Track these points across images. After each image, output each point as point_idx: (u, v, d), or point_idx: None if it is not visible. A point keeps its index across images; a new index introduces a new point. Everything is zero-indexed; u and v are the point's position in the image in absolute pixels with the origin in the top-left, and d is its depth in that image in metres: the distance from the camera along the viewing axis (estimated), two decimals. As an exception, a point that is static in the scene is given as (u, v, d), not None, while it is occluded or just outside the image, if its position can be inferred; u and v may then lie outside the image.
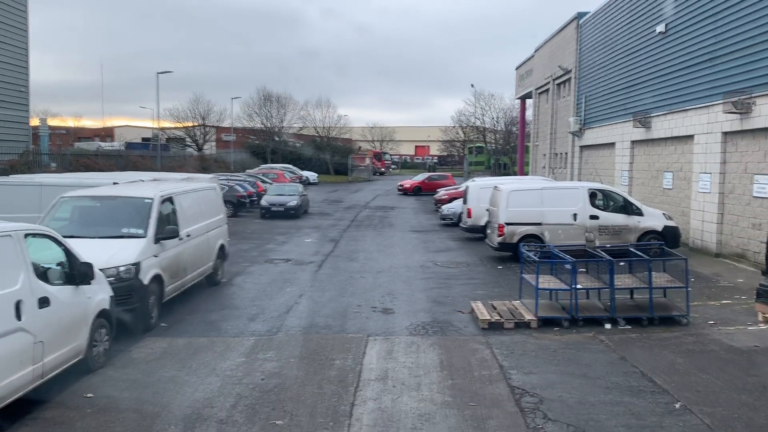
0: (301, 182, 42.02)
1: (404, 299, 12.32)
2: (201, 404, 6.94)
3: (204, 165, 45.05)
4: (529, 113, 45.93)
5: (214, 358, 8.54)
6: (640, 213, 16.55)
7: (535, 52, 39.58)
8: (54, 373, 7.06)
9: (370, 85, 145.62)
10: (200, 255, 12.28)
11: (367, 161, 69.60)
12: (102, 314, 8.13)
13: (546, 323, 10.12)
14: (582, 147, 29.58)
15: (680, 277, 10.43)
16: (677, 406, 6.83)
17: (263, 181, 36.65)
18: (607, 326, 10.02)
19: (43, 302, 6.74)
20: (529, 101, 45.51)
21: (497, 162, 70.26)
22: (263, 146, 65.17)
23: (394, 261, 16.99)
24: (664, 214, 16.96)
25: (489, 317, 10.22)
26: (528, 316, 10.23)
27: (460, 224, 22.36)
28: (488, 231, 17.74)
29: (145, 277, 9.71)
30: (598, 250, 11.06)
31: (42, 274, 6.98)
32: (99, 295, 8.11)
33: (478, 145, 76.22)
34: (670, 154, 19.76)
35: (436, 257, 17.68)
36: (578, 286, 10.25)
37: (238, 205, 28.16)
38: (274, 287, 13.41)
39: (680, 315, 10.24)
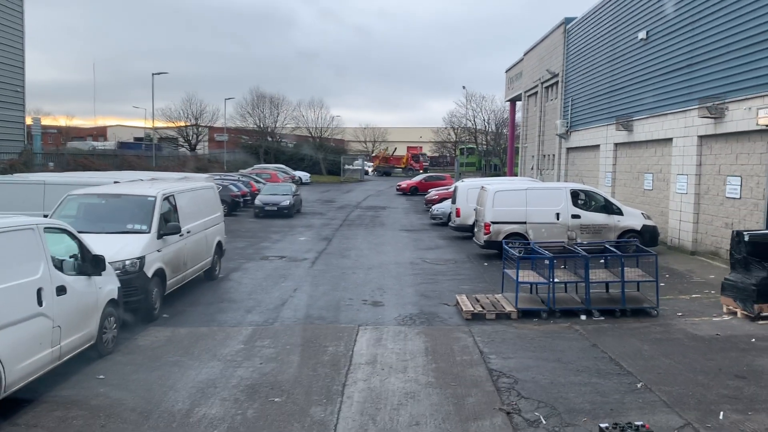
0: (293, 182, 42.59)
1: (393, 293, 12.97)
2: (205, 384, 7.57)
3: (198, 165, 45.55)
4: (519, 115, 46.72)
5: (215, 345, 9.16)
6: (620, 212, 17.30)
7: (525, 55, 40.36)
8: (69, 356, 7.67)
9: (362, 87, 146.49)
10: (199, 251, 12.89)
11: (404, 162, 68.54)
12: (111, 303, 8.74)
13: (526, 314, 10.80)
14: (569, 149, 30.35)
15: (652, 272, 11.13)
16: (639, 385, 7.52)
17: (257, 181, 37.22)
18: (583, 317, 10.71)
19: (61, 290, 7.35)
20: (519, 103, 46.28)
21: (488, 163, 71.06)
22: (256, 146, 65.64)
23: (385, 258, 17.64)
24: (642, 213, 17.73)
25: (472, 309, 10.90)
26: (509, 308, 10.91)
27: (449, 223, 23.04)
28: (475, 229, 18.44)
29: (149, 271, 10.32)
30: (576, 247, 11.77)
31: (58, 264, 7.58)
32: (108, 285, 8.71)
33: (469, 146, 77.04)
34: (650, 157, 20.53)
35: (425, 255, 18.35)
36: (556, 280, 10.94)
37: (232, 205, 28.70)
38: (269, 282, 14.03)
39: (650, 307, 10.95)
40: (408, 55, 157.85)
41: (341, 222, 27.67)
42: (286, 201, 29.25)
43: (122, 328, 9.27)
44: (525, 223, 16.89)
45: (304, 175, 56.34)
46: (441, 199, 29.61)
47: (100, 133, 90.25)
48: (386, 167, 72.42)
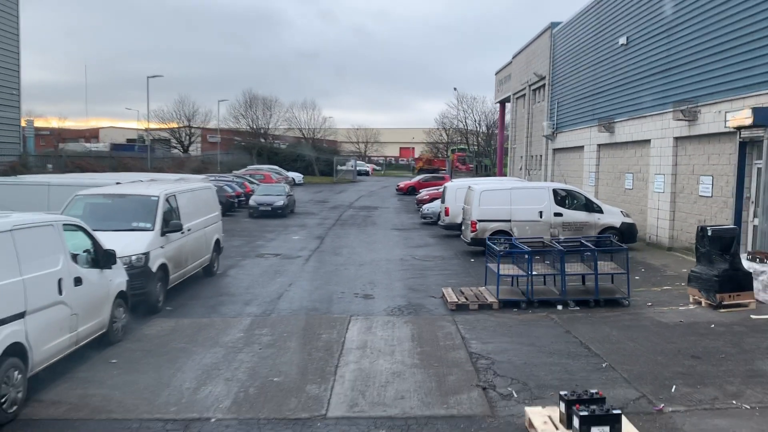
0: (287, 183, 43.24)
1: (383, 287, 13.72)
2: (209, 367, 8.29)
3: (192, 166, 46.15)
4: (509, 117, 47.58)
5: (216, 334, 9.88)
6: (600, 211, 18.13)
7: (513, 58, 41.22)
8: (85, 342, 8.37)
9: (353, 87, 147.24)
10: (199, 248, 13.60)
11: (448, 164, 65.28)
12: (120, 295, 9.45)
13: (506, 305, 11.56)
14: (555, 150, 31.21)
15: (624, 265, 11.92)
16: (604, 365, 8.30)
17: (250, 182, 37.87)
18: (559, 307, 11.49)
19: (78, 281, 8.05)
20: (508, 105, 47.14)
21: (480, 163, 71.92)
22: (249, 147, 66.22)
23: (376, 255, 18.38)
24: (622, 211, 18.58)
25: (457, 300, 11.67)
26: (490, 299, 11.69)
27: (439, 222, 23.80)
28: (463, 228, 19.21)
29: (153, 266, 11.03)
30: (553, 242, 12.56)
31: (74, 258, 8.28)
32: (118, 278, 9.42)
33: (460, 146, 77.89)
34: (630, 157, 21.39)
35: (415, 252, 19.11)
36: (534, 273, 11.72)
37: (227, 205, 29.30)
38: (265, 278, 14.75)
39: (622, 297, 11.74)
40: (399, 55, 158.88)
41: (334, 221, 28.38)
42: (280, 201, 29.93)
43: (129, 318, 9.97)
44: (510, 221, 17.68)
45: (297, 176, 56.97)
46: (432, 199, 30.34)
47: (92, 134, 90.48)
48: (430, 169, 70.30)
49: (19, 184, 15.89)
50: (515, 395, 7.28)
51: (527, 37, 36.81)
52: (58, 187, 15.20)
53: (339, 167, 66.08)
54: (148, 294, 10.79)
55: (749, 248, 13.92)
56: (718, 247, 11.16)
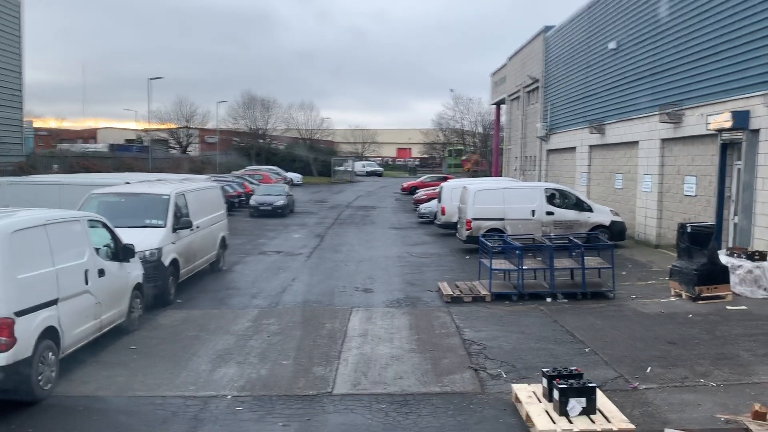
0: (286, 183, 43.86)
1: (382, 282, 14.40)
2: (222, 352, 8.97)
3: (192, 166, 46.77)
4: (504, 118, 48.31)
5: (227, 323, 10.56)
6: (590, 210, 18.85)
7: (508, 60, 41.95)
8: (107, 329, 9.04)
9: (349, 88, 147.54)
10: (206, 244, 14.27)
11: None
12: (137, 287, 10.11)
13: (498, 297, 12.26)
14: (549, 151, 31.94)
15: (610, 261, 12.62)
16: (587, 350, 9.00)
17: (250, 182, 38.51)
18: (548, 300, 12.18)
19: (101, 273, 8.72)
20: (504, 107, 47.87)
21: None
22: (248, 148, 66.82)
23: (375, 252, 19.06)
24: (611, 210, 19.31)
25: (452, 293, 12.36)
26: (484, 292, 12.38)
27: (435, 221, 24.48)
28: (458, 226, 19.91)
29: (166, 260, 11.69)
30: (543, 239, 13.27)
31: (97, 251, 8.94)
32: (135, 271, 10.09)
33: (457, 147, 78.63)
34: (620, 158, 22.12)
35: (412, 249, 19.80)
36: (525, 268, 12.42)
37: (228, 205, 29.95)
38: (269, 273, 15.42)
39: (608, 290, 12.45)
40: (395, 56, 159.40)
41: (333, 221, 29.04)
42: (280, 201, 30.57)
43: (144, 309, 10.63)
44: (503, 219, 18.37)
45: (295, 176, 57.57)
46: (428, 199, 30.96)
47: (90, 135, 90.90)
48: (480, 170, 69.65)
49: (32, 183, 16.51)
50: (504, 375, 7.98)
51: (523, 39, 37.58)
52: (70, 186, 15.80)
53: (337, 168, 66.73)
54: (161, 287, 11.45)
55: (730, 244, 14.65)
56: (697, 243, 11.87)
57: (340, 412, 6.89)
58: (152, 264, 11.28)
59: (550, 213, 18.46)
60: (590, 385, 6.44)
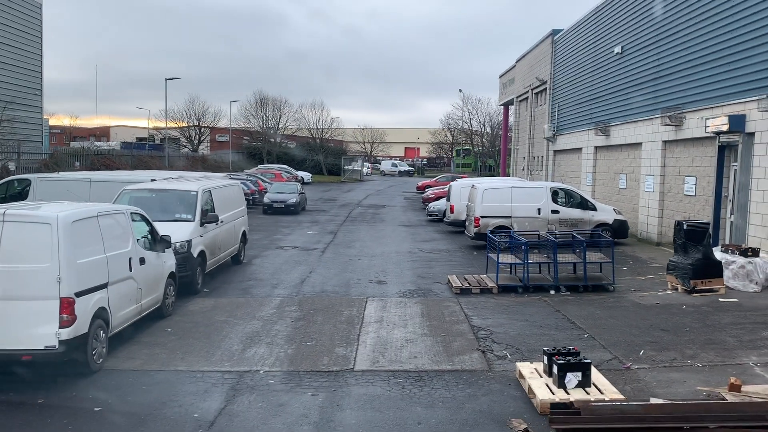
0: (297, 181, 44.71)
1: (395, 275, 15.21)
2: (251, 334, 9.81)
3: (205, 165, 47.71)
4: (512, 119, 48.97)
5: (252, 310, 11.40)
6: (594, 208, 19.58)
7: (517, 62, 42.64)
8: (145, 313, 9.89)
9: (357, 87, 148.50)
10: (229, 238, 15.13)
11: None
12: (171, 276, 10.96)
13: (505, 290, 13.04)
14: (555, 151, 32.64)
15: (610, 255, 13.38)
16: (586, 336, 9.78)
17: (263, 181, 39.40)
18: (552, 292, 12.95)
19: (142, 261, 9.57)
20: (512, 107, 48.55)
21: (484, 164, 73.35)
22: (259, 147, 67.77)
23: (386, 248, 19.86)
24: (614, 209, 20.03)
25: (461, 285, 13.15)
26: (491, 284, 13.17)
27: (444, 219, 25.25)
28: (467, 223, 20.68)
29: (195, 252, 12.55)
30: (548, 235, 14.03)
31: (138, 241, 9.79)
32: (169, 261, 10.94)
33: (465, 147, 79.34)
34: (624, 159, 22.82)
35: (422, 246, 20.59)
36: (530, 262, 13.20)
37: (243, 202, 30.82)
38: (287, 266, 16.26)
39: (608, 283, 13.20)
40: (402, 56, 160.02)
41: (344, 218, 29.85)
42: (293, 199, 31.43)
43: (176, 296, 11.48)
44: (510, 217, 19.13)
45: (306, 175, 58.44)
46: (437, 198, 31.76)
47: (102, 133, 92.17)
48: None
49: (63, 179, 17.44)
50: (509, 356, 8.78)
51: (531, 40, 38.24)
52: (98, 182, 16.76)
53: (346, 167, 67.59)
54: (190, 277, 12.30)
55: (726, 242, 15.36)
56: (692, 240, 12.60)
57: (361, 385, 7.70)
58: (182, 255, 12.13)
59: (555, 211, 19.20)
60: (585, 361, 7.22)
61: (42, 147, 35.37)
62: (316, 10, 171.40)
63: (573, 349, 7.57)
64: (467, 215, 20.65)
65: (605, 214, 19.60)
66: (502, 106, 52.33)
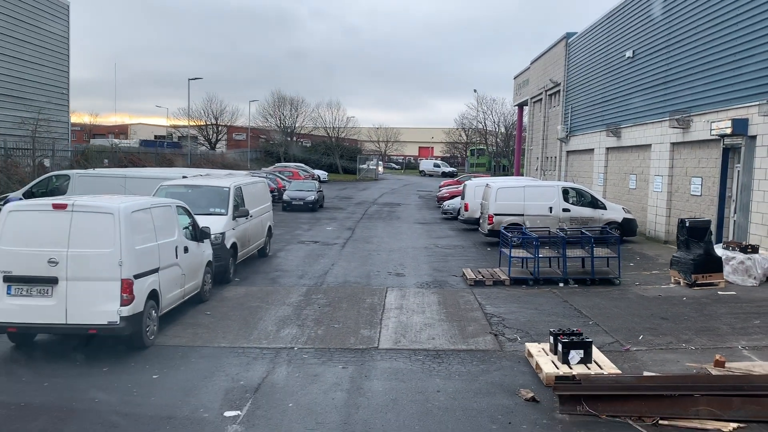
0: (313, 179, 45.70)
1: (412, 268, 16.10)
2: (283, 317, 10.75)
3: (224, 162, 48.89)
4: (527, 119, 49.64)
5: (282, 297, 12.35)
6: (604, 207, 20.35)
7: (531, 64, 43.33)
8: (188, 297, 10.86)
9: (369, 87, 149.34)
10: (258, 232, 16.11)
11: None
12: (208, 264, 11.93)
13: (516, 282, 13.88)
14: (568, 152, 33.34)
15: (617, 251, 14.17)
16: (590, 322, 10.61)
17: (281, 179, 40.44)
18: (561, 285, 13.77)
19: (185, 250, 10.54)
20: (526, 108, 49.22)
21: (498, 164, 74.02)
22: (276, 145, 68.94)
23: (403, 244, 20.76)
24: (623, 208, 20.77)
25: (475, 277, 14.02)
26: (503, 277, 14.02)
27: (459, 217, 26.11)
28: (480, 221, 21.52)
29: (228, 243, 13.52)
30: (557, 231, 14.86)
31: (182, 231, 10.76)
32: (207, 251, 11.91)
33: (479, 147, 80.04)
34: (634, 160, 23.53)
35: (438, 242, 21.46)
36: (540, 256, 14.04)
37: (263, 199, 31.82)
38: (310, 259, 17.21)
39: (614, 277, 14.00)
40: (414, 54, 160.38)
41: (361, 215, 30.79)
42: (311, 196, 32.43)
43: (212, 284, 12.46)
44: (523, 215, 19.93)
45: (322, 174, 59.45)
46: (451, 197, 32.61)
47: (121, 130, 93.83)
48: None
49: (100, 175, 18.54)
50: (519, 339, 9.64)
51: (546, 41, 38.90)
52: (133, 179, 17.83)
53: (361, 166, 68.56)
54: (224, 266, 13.28)
55: (730, 239, 16.06)
56: (694, 236, 13.37)
57: (386, 360, 8.62)
58: (216, 246, 13.08)
59: (566, 210, 19.99)
60: (587, 340, 8.08)
61: (68, 145, 36.73)
62: (327, 10, 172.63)
63: (576, 330, 8.43)
64: (481, 213, 21.49)
65: (615, 212, 20.35)
66: (517, 107, 53.01)
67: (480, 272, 14.56)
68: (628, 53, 23.54)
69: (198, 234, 11.36)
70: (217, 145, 74.48)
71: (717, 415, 6.52)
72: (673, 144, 19.84)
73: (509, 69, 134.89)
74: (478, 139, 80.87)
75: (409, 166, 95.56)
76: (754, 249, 13.74)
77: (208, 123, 74.58)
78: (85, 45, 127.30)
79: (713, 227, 16.57)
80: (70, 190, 17.99)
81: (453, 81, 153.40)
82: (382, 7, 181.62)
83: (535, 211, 19.94)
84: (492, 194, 20.20)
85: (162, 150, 41.70)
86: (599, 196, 21.43)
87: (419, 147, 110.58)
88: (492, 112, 76.99)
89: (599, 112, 27.33)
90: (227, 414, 6.75)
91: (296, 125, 72.65)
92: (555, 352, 8.24)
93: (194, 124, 73.75)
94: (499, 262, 15.22)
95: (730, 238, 16.19)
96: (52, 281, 8.25)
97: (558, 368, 7.83)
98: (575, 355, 7.92)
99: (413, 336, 9.78)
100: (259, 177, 18.85)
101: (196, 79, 40.83)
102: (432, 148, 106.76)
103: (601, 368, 7.85)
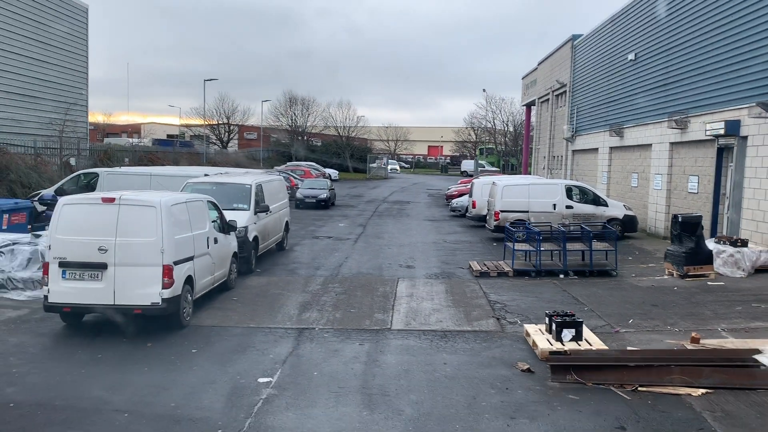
0: (324, 178, 46.72)
1: (422, 261, 17.07)
2: (303, 303, 11.76)
3: (237, 161, 50.05)
4: (535, 119, 50.43)
5: (301, 286, 13.37)
6: (605, 204, 21.23)
7: (539, 65, 44.15)
8: (217, 284, 11.89)
9: (379, 86, 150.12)
10: (276, 226, 17.14)
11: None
12: (234, 255, 12.96)
13: (519, 273, 14.82)
14: (574, 151, 34.17)
15: (614, 244, 15.08)
16: (586, 308, 11.53)
17: (294, 177, 41.51)
18: (561, 276, 14.70)
19: (215, 241, 11.57)
20: (534, 108, 50.01)
21: (507, 163, 74.78)
22: (288, 145, 70.09)
23: (413, 239, 21.72)
24: (624, 205, 21.65)
25: (480, 269, 14.98)
26: (507, 269, 14.97)
27: (467, 214, 27.05)
28: (487, 217, 22.45)
29: (250, 236, 14.55)
30: (558, 226, 15.79)
31: (212, 224, 11.79)
32: (233, 243, 12.94)
33: (488, 146, 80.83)
34: (636, 159, 24.37)
35: (446, 237, 22.41)
36: (542, 249, 14.97)
37: (277, 197, 32.89)
38: (325, 253, 18.22)
39: (612, 269, 14.91)
40: (424, 55, 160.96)
41: (372, 213, 31.77)
42: (323, 194, 33.46)
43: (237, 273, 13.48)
44: (527, 212, 20.83)
45: (332, 172, 60.47)
46: (459, 195, 33.54)
47: (134, 130, 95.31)
48: None
49: (126, 173, 19.63)
50: (519, 322, 10.60)
51: (554, 41, 39.71)
52: (158, 176, 18.87)
53: (371, 164, 69.56)
54: (247, 257, 14.31)
55: (724, 234, 16.91)
56: (686, 230, 14.25)
57: (398, 339, 9.60)
58: (240, 239, 14.09)
59: (569, 207, 20.88)
60: (578, 320, 9.03)
61: (87, 144, 37.97)
62: (332, 9, 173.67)
63: (570, 312, 9.38)
64: (488, 210, 22.41)
65: (616, 209, 21.23)
66: (525, 107, 53.80)
67: (485, 264, 15.51)
68: (631, 56, 24.37)
69: (225, 227, 12.39)
70: (229, 144, 75.77)
71: (688, 383, 7.46)
72: (672, 144, 20.68)
73: (515, 68, 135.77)
74: (487, 138, 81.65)
75: (419, 164, 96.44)
76: (744, 243, 14.60)
77: (220, 122, 75.91)
78: (97, 44, 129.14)
79: (708, 223, 17.49)
80: (98, 187, 19.06)
81: (460, 80, 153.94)
82: (386, 6, 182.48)
83: (539, 207, 20.83)
84: (498, 192, 21.12)
85: (180, 149, 42.91)
86: (601, 194, 22.30)
87: (429, 146, 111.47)
88: (501, 112, 77.61)
89: (603, 112, 28.17)
90: (261, 380, 7.76)
91: (307, 124, 73.77)
92: (550, 331, 9.20)
93: (204, 122, 75.12)
94: (503, 256, 16.16)
95: (724, 233, 17.03)
96: (102, 266, 9.30)
97: (552, 345, 8.79)
98: (567, 333, 8.87)
99: (423, 319, 10.76)
100: (278, 175, 19.83)
101: (211, 80, 41.97)
102: (441, 147, 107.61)
103: (591, 345, 8.79)
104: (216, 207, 12.26)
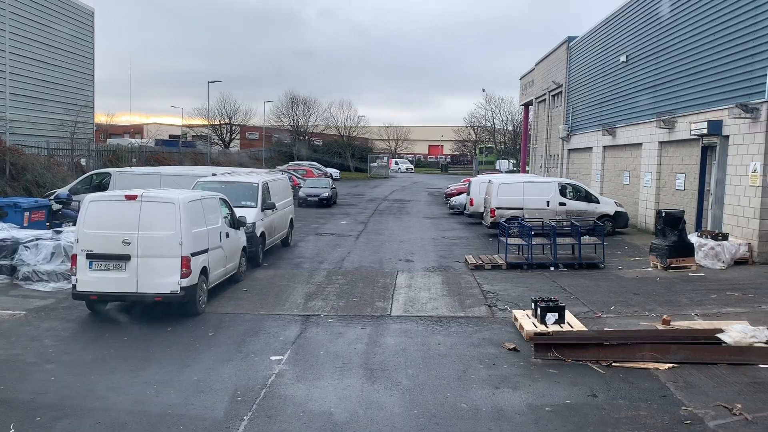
0: (326, 177, 47.58)
1: (420, 255, 17.93)
2: (309, 293, 12.63)
3: (240, 161, 50.95)
4: (532, 118, 51.24)
5: (306, 278, 14.23)
6: (597, 201, 22.08)
7: (536, 65, 44.97)
8: (228, 276, 12.75)
9: (379, 85, 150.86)
10: (281, 223, 18.00)
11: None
12: (243, 249, 13.82)
13: (512, 266, 15.67)
14: (570, 150, 35.01)
15: (602, 238, 15.93)
16: (572, 297, 12.39)
17: (296, 177, 42.38)
18: (551, 269, 15.55)
19: (227, 235, 12.44)
20: (531, 107, 50.83)
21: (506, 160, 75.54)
22: (289, 145, 70.98)
23: (412, 236, 22.58)
24: (615, 202, 22.51)
25: (475, 262, 15.84)
26: (501, 262, 15.82)
27: (464, 212, 27.91)
28: (483, 214, 23.30)
29: (258, 232, 15.41)
30: (549, 222, 16.64)
31: (244, 220, 12.65)
32: (242, 237, 13.81)
33: (488, 145, 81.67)
34: (627, 158, 25.21)
35: (444, 234, 23.26)
36: (533, 243, 15.83)
37: (280, 195, 33.76)
38: (328, 248, 19.08)
39: (599, 262, 15.76)
40: (424, 54, 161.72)
41: (373, 211, 32.63)
42: (326, 193, 34.33)
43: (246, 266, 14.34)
44: (522, 208, 21.69)
45: (334, 172, 61.34)
46: (458, 193, 34.40)
47: (136, 130, 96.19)
48: None
49: (137, 173, 20.49)
50: (508, 309, 11.45)
51: (551, 41, 40.54)
52: (167, 176, 19.72)
53: (372, 164, 70.43)
54: (255, 252, 15.17)
55: (708, 229, 17.76)
56: (669, 224, 15.10)
57: (397, 324, 10.47)
58: (248, 234, 14.96)
59: (562, 204, 21.74)
60: (561, 305, 9.88)
61: (93, 145, 38.87)
62: (334, 9, 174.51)
63: (554, 298, 10.23)
64: (484, 207, 23.28)
65: (607, 206, 22.08)
66: (523, 107, 54.61)
67: (480, 258, 16.37)
68: (623, 58, 25.20)
69: (236, 222, 13.25)
70: (231, 144, 76.67)
71: (657, 359, 8.31)
72: (660, 143, 21.52)
73: (515, 68, 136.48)
74: (487, 137, 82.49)
75: (419, 164, 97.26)
76: (724, 236, 15.45)
77: (222, 122, 76.80)
78: (98, 44, 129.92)
79: (694, 219, 18.34)
80: (111, 186, 19.90)
81: (461, 79, 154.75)
82: (388, 6, 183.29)
83: (533, 204, 21.70)
84: (494, 189, 21.98)
85: (184, 149, 43.76)
86: (593, 191, 23.14)
87: (429, 145, 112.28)
88: (500, 111, 78.52)
89: (597, 112, 29.01)
90: (273, 358, 8.63)
91: (309, 124, 74.65)
92: (536, 315, 10.05)
93: (206, 123, 75.97)
94: (498, 250, 17.01)
95: (708, 228, 17.88)
96: (126, 258, 10.16)
97: (537, 327, 9.65)
98: (551, 316, 9.73)
99: (420, 307, 11.62)
100: (283, 174, 20.70)
101: (215, 81, 42.81)
102: (441, 146, 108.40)
103: (572, 328, 9.65)
104: (227, 204, 13.12)
